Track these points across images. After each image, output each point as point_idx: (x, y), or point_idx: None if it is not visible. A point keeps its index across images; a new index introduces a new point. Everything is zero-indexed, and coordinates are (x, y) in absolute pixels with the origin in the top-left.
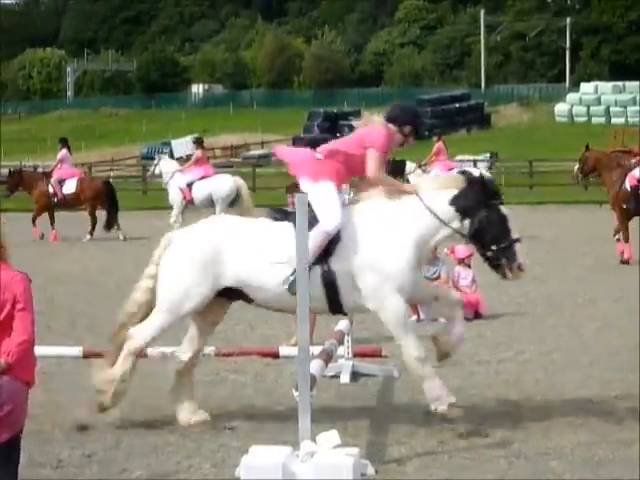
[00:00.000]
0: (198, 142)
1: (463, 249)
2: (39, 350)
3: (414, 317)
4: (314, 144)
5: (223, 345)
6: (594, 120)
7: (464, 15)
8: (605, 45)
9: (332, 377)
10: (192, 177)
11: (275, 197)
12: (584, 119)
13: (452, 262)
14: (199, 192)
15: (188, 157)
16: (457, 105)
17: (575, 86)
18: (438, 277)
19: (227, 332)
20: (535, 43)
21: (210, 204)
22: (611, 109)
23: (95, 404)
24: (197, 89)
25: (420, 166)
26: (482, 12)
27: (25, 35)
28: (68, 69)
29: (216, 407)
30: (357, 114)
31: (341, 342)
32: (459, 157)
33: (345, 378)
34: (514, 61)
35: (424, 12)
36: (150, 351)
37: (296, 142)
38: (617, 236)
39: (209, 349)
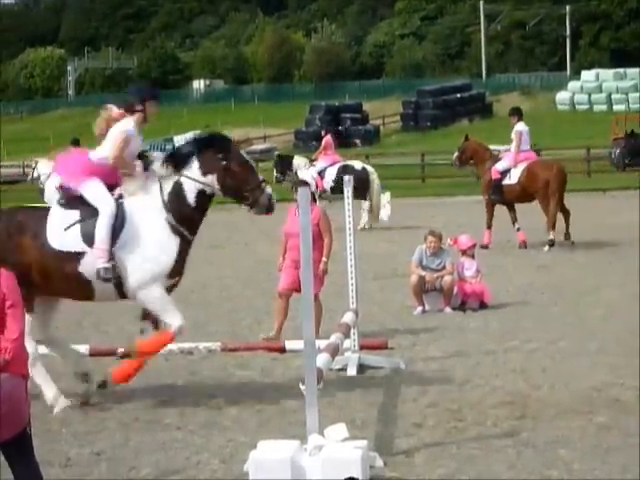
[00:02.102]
0: (75, 143)
1: (466, 239)
2: (45, 349)
3: (419, 308)
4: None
5: (229, 340)
6: (595, 107)
7: (464, 5)
8: (605, 32)
9: (339, 370)
10: None
11: (279, 190)
12: (586, 107)
13: (456, 253)
14: None
15: None
16: (458, 95)
17: (576, 74)
18: (443, 268)
19: (233, 328)
20: (535, 31)
21: None
22: (612, 96)
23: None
24: (198, 85)
25: (311, 161)
26: (482, 1)
27: (25, 34)
28: (69, 67)
29: (223, 402)
30: (359, 106)
31: (347, 335)
32: (492, 147)
33: (352, 371)
34: (515, 50)
35: (424, 2)
36: None
37: (298, 135)
38: (517, 226)
39: (215, 344)
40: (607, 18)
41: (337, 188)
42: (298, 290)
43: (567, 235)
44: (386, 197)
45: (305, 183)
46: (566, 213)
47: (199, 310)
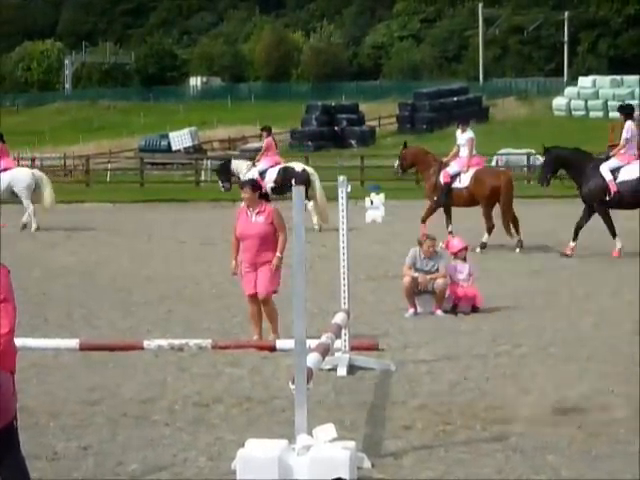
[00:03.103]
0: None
1: (457, 242)
2: (36, 342)
3: (411, 310)
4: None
5: (220, 338)
6: (592, 114)
7: (462, 8)
8: (603, 39)
9: (329, 370)
10: None
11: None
12: (582, 113)
13: (448, 256)
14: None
15: (186, 149)
16: (455, 99)
17: (573, 80)
18: (437, 271)
19: (224, 325)
20: (533, 37)
21: (11, 196)
22: (609, 103)
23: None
24: (195, 82)
25: (253, 164)
26: (480, 5)
27: (23, 27)
28: (66, 61)
29: (212, 399)
30: (355, 107)
31: (338, 335)
32: (503, 150)
33: (342, 371)
34: (512, 55)
35: (423, 5)
36: (147, 344)
37: (294, 135)
38: (449, 228)
39: (206, 342)
40: (605, 25)
41: (277, 189)
42: (256, 294)
43: (519, 242)
44: (380, 198)
45: (253, 182)
46: (515, 220)
47: (190, 307)
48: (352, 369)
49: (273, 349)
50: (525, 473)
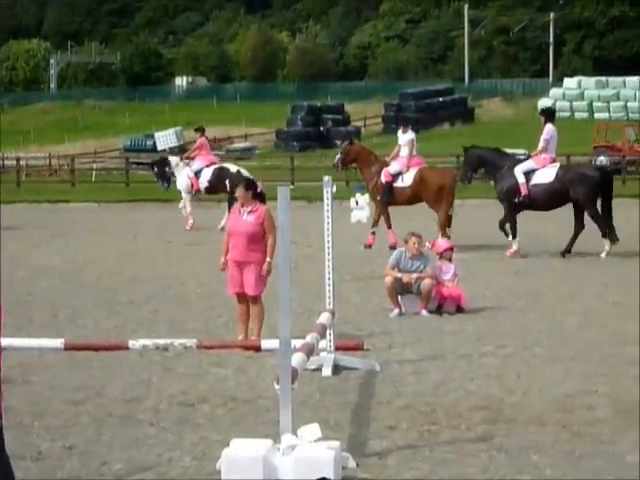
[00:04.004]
0: None
1: (443, 242)
2: (21, 342)
3: (396, 310)
4: (297, 137)
5: (205, 338)
6: (577, 115)
7: (448, 9)
8: (588, 41)
9: (314, 370)
10: None
11: None
12: (567, 114)
13: (435, 256)
14: None
15: (171, 149)
16: (440, 99)
17: (558, 81)
18: (422, 272)
19: (209, 325)
20: (518, 38)
21: None
22: (594, 104)
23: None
24: (181, 82)
25: (181, 159)
26: (466, 6)
27: (8, 27)
28: (51, 61)
29: (197, 399)
30: (341, 107)
31: (323, 335)
32: (510, 150)
33: (327, 371)
34: (497, 56)
35: (409, 5)
36: (132, 344)
37: (279, 135)
38: (373, 229)
39: (191, 341)
40: (590, 26)
41: (211, 189)
42: (244, 292)
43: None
44: (365, 199)
45: (248, 180)
46: (450, 220)
47: (175, 307)
48: (337, 369)
49: (258, 349)
50: (509, 473)
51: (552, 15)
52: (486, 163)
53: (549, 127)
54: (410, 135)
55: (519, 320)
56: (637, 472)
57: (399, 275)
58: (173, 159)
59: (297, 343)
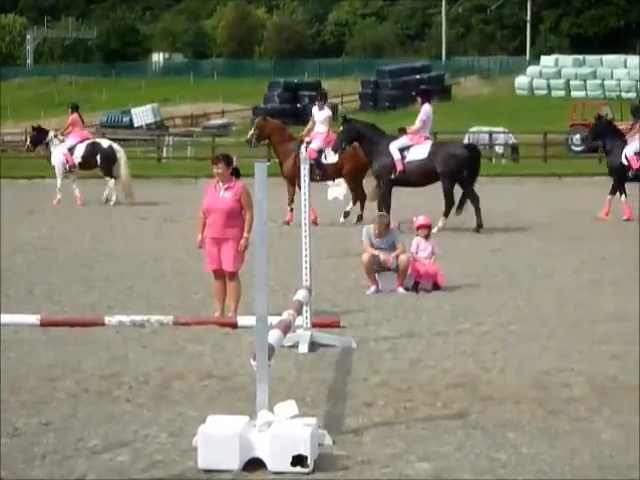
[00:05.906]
0: None
1: (422, 218)
2: None
3: (372, 287)
4: (274, 114)
5: (181, 314)
6: (554, 93)
7: None
8: (565, 18)
9: (290, 347)
10: None
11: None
12: (544, 92)
13: (414, 233)
14: None
15: (148, 126)
16: (418, 77)
17: (535, 59)
18: (393, 247)
19: (185, 301)
20: (496, 15)
21: None
22: (571, 82)
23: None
24: (157, 58)
25: (56, 135)
26: None
27: None
28: (28, 36)
29: (174, 376)
30: (317, 84)
31: (300, 312)
32: (475, 128)
33: (303, 348)
34: (475, 33)
35: None
36: (108, 320)
37: (256, 111)
38: (291, 206)
39: (167, 318)
40: (567, 3)
41: (84, 164)
42: (221, 269)
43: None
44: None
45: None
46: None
47: (152, 283)
48: (313, 346)
49: (235, 326)
50: (485, 450)
51: None
52: (362, 138)
53: (426, 107)
54: (327, 112)
55: (496, 298)
56: (612, 449)
57: (377, 252)
58: (51, 133)
59: (274, 320)
